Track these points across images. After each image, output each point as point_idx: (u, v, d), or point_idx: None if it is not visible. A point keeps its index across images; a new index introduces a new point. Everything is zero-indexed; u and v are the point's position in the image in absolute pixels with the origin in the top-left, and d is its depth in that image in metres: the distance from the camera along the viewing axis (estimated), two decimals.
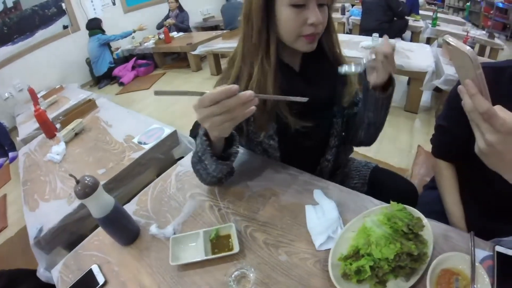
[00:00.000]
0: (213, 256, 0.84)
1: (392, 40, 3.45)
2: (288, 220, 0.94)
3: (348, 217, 0.90)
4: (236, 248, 0.84)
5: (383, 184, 1.14)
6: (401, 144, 2.79)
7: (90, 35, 5.04)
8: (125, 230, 0.95)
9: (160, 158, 1.75)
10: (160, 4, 6.52)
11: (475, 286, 0.70)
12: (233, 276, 0.76)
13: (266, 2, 0.87)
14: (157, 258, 0.89)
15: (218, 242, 0.88)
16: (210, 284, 0.80)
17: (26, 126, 2.78)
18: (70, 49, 5.22)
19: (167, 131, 1.81)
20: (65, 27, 5.19)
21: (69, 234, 1.40)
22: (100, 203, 0.87)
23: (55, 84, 4.25)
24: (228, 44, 4.54)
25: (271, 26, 0.90)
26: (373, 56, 0.91)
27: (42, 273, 1.33)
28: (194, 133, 1.27)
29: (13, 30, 4.61)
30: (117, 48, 5.67)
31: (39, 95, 3.40)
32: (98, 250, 0.97)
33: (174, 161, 1.75)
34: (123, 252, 0.94)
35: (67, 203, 1.43)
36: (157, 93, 0.61)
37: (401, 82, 3.74)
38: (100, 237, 1.01)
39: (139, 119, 2.08)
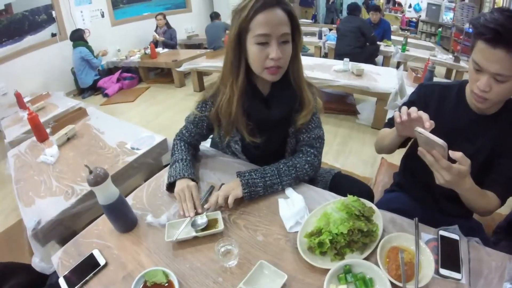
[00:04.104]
0: (203, 233, 1.02)
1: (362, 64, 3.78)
2: (264, 210, 1.15)
3: (313, 207, 1.11)
4: (221, 227, 1.03)
5: (342, 187, 1.32)
6: (366, 157, 3.06)
7: (74, 46, 5.10)
8: (126, 218, 1.09)
9: (151, 163, 1.90)
10: (147, 19, 6.67)
11: (418, 258, 0.91)
12: (220, 250, 0.94)
13: (238, 39, 1.10)
14: (153, 241, 1.04)
15: (207, 225, 1.05)
16: (200, 259, 0.97)
17: (13, 130, 2.82)
18: (56, 57, 5.25)
19: (158, 138, 1.98)
20: (53, 35, 5.24)
21: (64, 228, 1.50)
22: (108, 192, 1.02)
23: (39, 90, 4.26)
24: (211, 63, 4.76)
25: (242, 58, 1.13)
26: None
27: (37, 263, 1.41)
28: None
29: (2, 33, 4.60)
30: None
31: (24, 100, 3.44)
32: (98, 238, 1.09)
33: (162, 166, 1.90)
34: (122, 239, 1.07)
35: (64, 199, 1.54)
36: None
37: (370, 102, 4.08)
38: (99, 227, 1.14)
39: (130, 128, 2.22)
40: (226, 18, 7.05)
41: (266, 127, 1.25)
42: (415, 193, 1.40)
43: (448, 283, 0.89)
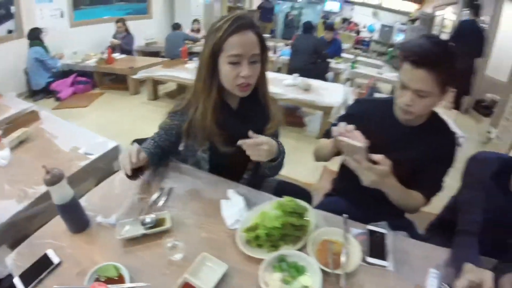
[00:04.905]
0: (151, 231, 1.12)
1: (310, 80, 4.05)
2: (208, 210, 1.27)
3: (253, 208, 1.25)
4: (169, 224, 1.14)
5: (284, 191, 1.40)
6: (310, 165, 3.21)
7: (30, 45, 4.91)
8: (79, 218, 1.15)
9: (103, 168, 1.94)
10: (107, 23, 6.51)
11: (345, 247, 1.06)
12: (167, 245, 1.04)
13: (212, 59, 1.20)
14: (105, 240, 1.11)
15: (155, 223, 1.15)
16: (149, 255, 1.06)
17: None
18: (10, 56, 4.96)
19: (110, 144, 2.04)
20: (9, 31, 4.96)
21: (16, 232, 1.48)
22: (63, 192, 1.08)
23: None
24: (167, 72, 4.81)
25: (215, 76, 1.24)
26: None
27: None
28: None
29: None
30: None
31: None
32: (51, 238, 1.12)
33: (114, 172, 1.94)
34: (75, 239, 1.12)
35: (16, 202, 1.54)
36: None
37: (318, 115, 4.35)
38: (52, 228, 1.17)
39: (83, 133, 2.25)
40: (186, 27, 7.16)
41: (237, 139, 1.35)
42: (351, 196, 1.53)
43: (376, 270, 1.05)
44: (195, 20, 7.64)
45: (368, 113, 1.40)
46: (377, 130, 1.23)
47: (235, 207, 1.23)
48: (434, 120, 1.35)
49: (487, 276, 0.90)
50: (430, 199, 1.35)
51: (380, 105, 1.43)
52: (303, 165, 3.28)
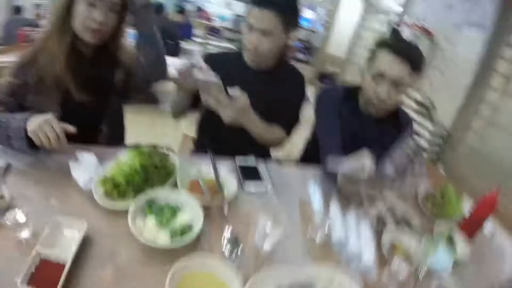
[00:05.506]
0: None
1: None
2: (56, 177, 1.08)
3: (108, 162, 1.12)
4: (8, 201, 0.93)
5: None
6: (170, 138, 2.84)
7: None
8: None
9: None
10: None
11: (219, 180, 1.07)
12: (10, 223, 0.84)
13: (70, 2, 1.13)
14: None
15: None
16: None
17: None
18: None
19: None
20: None
21: None
22: None
23: None
24: (4, 59, 4.06)
25: (69, 17, 1.15)
26: None
27: None
28: None
29: None
30: None
31: None
32: None
33: None
34: None
35: None
36: None
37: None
38: None
39: None
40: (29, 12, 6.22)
41: (92, 87, 1.26)
42: (215, 145, 1.47)
43: (256, 196, 1.11)
44: (39, 5, 6.65)
45: (219, 65, 1.40)
46: (230, 78, 1.26)
47: (87, 165, 1.08)
48: (284, 64, 1.49)
49: (366, 158, 1.06)
50: (290, 132, 1.50)
51: (230, 56, 1.53)
52: (162, 139, 3.16)
